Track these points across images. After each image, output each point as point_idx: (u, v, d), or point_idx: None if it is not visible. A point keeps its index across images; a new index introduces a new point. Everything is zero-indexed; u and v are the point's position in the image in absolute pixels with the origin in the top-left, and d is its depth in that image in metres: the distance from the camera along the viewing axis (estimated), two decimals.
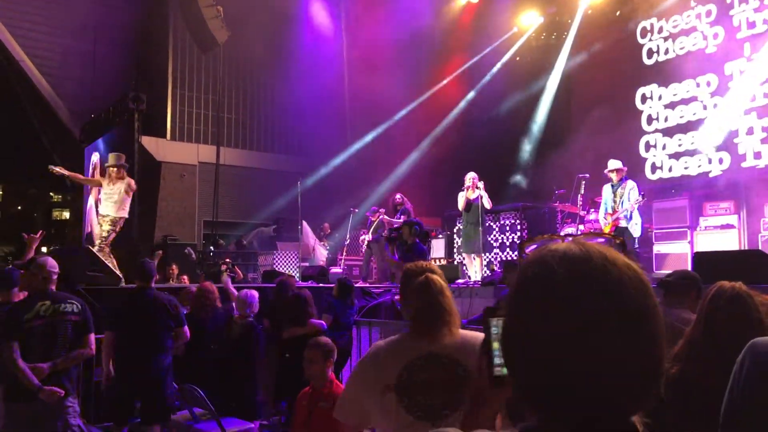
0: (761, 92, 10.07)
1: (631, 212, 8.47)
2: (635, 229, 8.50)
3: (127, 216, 8.35)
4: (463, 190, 9.82)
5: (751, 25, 10.32)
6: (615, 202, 8.58)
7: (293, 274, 10.55)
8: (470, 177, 9.75)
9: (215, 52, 14.50)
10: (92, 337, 4.30)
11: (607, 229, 8.67)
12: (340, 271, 11.06)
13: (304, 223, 12.99)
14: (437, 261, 12.51)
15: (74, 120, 18.28)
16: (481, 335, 2.26)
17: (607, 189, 8.88)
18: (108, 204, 8.25)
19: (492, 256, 12.91)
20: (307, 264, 11.88)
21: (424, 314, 2.26)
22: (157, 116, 14.69)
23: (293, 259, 11.65)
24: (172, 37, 14.98)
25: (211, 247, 12.25)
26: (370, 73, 13.05)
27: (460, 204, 9.85)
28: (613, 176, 8.74)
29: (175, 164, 14.38)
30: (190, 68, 15.13)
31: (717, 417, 1.76)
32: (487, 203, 9.54)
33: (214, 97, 15.06)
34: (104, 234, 8.17)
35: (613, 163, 8.84)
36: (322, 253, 13.12)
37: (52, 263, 4.46)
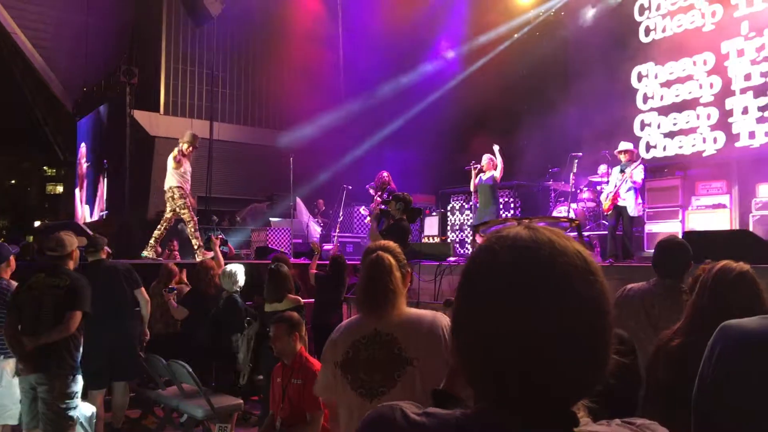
0: (757, 71, 10.01)
1: (632, 188, 8.39)
2: (635, 209, 8.44)
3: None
4: (474, 169, 9.90)
5: (750, 2, 10.22)
6: (620, 180, 8.53)
7: (285, 251, 10.58)
8: (487, 157, 9.78)
9: (209, 25, 14.38)
10: (75, 314, 4.27)
11: (606, 206, 8.66)
12: (332, 247, 11.09)
13: (298, 199, 12.97)
14: (430, 238, 12.55)
15: (67, 92, 18.17)
16: (427, 313, 2.31)
17: (615, 170, 8.83)
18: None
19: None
20: (300, 241, 11.89)
21: (368, 293, 2.29)
22: (150, 90, 14.58)
23: (286, 236, 11.66)
24: (165, 10, 14.80)
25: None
26: (367, 50, 12.95)
27: (471, 184, 10.04)
28: (622, 157, 8.69)
29: (168, 139, 14.28)
30: (184, 42, 14.98)
31: None
32: (498, 173, 9.68)
33: (208, 71, 14.94)
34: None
35: (624, 144, 8.78)
36: (315, 230, 13.13)
37: (61, 239, 4.46)
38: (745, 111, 10.14)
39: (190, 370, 4.97)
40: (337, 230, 11.98)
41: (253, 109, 15.57)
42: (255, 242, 11.84)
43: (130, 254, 8.99)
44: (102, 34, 15.54)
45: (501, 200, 12.67)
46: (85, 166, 18.26)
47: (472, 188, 10.04)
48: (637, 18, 11.83)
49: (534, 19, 13.84)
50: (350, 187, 12.27)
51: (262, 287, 7.06)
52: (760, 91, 9.97)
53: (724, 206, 9.34)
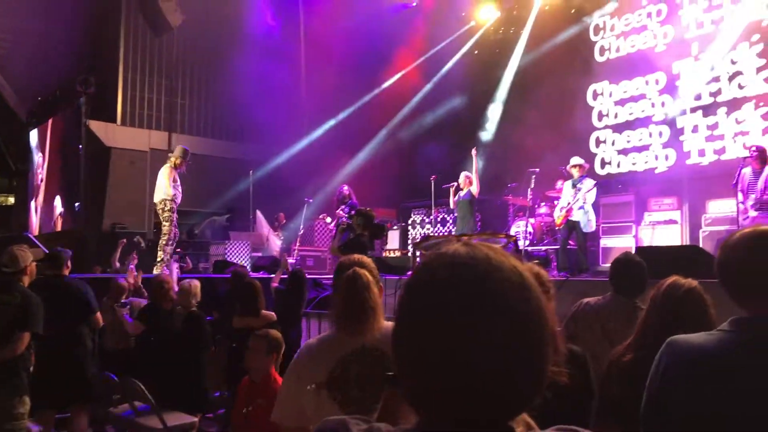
0: (707, 91, 10.36)
1: (584, 203, 8.59)
2: (587, 225, 8.62)
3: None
4: (452, 187, 10.15)
5: (700, 25, 10.59)
6: (572, 196, 8.71)
7: (244, 265, 10.45)
8: (464, 176, 10.01)
9: (169, 35, 14.21)
10: (24, 335, 4.12)
11: (559, 221, 8.82)
12: (293, 261, 11.00)
13: (258, 212, 12.86)
14: (392, 252, 12.58)
15: (20, 101, 17.69)
16: None
17: (567, 185, 9.02)
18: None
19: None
20: (259, 254, 11.77)
21: (350, 309, 2.27)
22: (107, 100, 14.30)
23: (245, 250, 11.53)
24: (124, 19, 14.57)
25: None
26: (327, 63, 12.97)
27: (450, 201, 10.31)
28: (575, 172, 8.88)
29: (125, 150, 14.03)
30: (143, 52, 14.76)
31: None
32: (475, 188, 9.90)
33: (167, 82, 14.75)
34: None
35: (575, 159, 8.98)
36: (276, 243, 13.02)
37: (14, 254, 4.32)
38: (695, 129, 10.48)
39: (143, 387, 4.86)
40: (298, 244, 11.90)
41: (213, 121, 15.40)
42: (213, 256, 11.68)
43: (84, 268, 8.76)
44: (59, 42, 15.20)
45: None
46: (40, 176, 17.79)
47: (451, 205, 10.30)
48: (593, 38, 12.15)
49: (493, 34, 14.07)
50: (311, 201, 12.22)
51: (220, 302, 6.96)
52: (709, 110, 10.32)
53: (675, 222, 9.60)
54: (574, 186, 8.80)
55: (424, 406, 0.86)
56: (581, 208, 8.57)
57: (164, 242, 8.91)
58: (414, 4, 14.40)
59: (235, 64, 13.14)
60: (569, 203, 8.69)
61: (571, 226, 8.68)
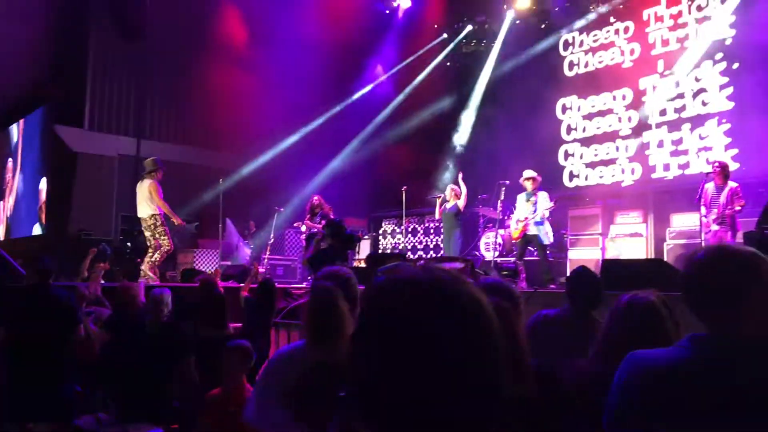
0: (672, 107, 10.63)
1: (542, 218, 8.71)
2: (545, 237, 8.75)
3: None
4: (438, 199, 10.16)
5: (665, 42, 10.88)
6: (527, 210, 8.83)
7: (212, 273, 10.36)
8: (450, 188, 10.06)
9: (139, 40, 14.04)
10: None
11: (516, 234, 8.92)
12: (263, 270, 10.94)
13: (228, 220, 12.75)
14: (362, 262, 12.58)
15: None
16: None
17: (521, 197, 9.14)
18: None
19: (416, 258, 13.08)
20: (228, 263, 11.68)
21: (314, 323, 2.29)
22: (74, 105, 14.07)
23: (214, 258, 11.43)
24: (93, 22, 14.38)
25: (128, 243, 11.86)
26: (298, 72, 12.96)
27: (436, 213, 10.28)
28: (528, 185, 8.99)
29: (92, 156, 13.80)
30: (113, 56, 14.57)
31: None
32: (462, 201, 9.89)
33: (136, 87, 14.57)
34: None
35: (528, 172, 9.08)
36: (245, 252, 12.93)
37: None
38: (660, 144, 10.73)
39: (108, 398, 4.78)
40: (268, 252, 11.84)
41: (182, 127, 15.23)
42: (181, 264, 11.55)
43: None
44: (25, 46, 14.93)
45: (431, 225, 12.89)
46: (14, 179, 17.40)
47: (437, 216, 10.29)
48: (562, 53, 12.38)
49: (465, 47, 14.23)
50: (282, 210, 12.18)
51: (189, 311, 6.88)
52: (674, 126, 10.59)
53: (640, 235, 9.79)
54: (528, 199, 8.90)
55: (380, 423, 0.88)
56: (539, 223, 8.67)
57: (158, 256, 8.97)
58: (387, 12, 14.49)
59: (205, 70, 13.06)
60: (526, 217, 8.78)
61: (528, 240, 8.79)
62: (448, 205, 9.96)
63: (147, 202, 8.93)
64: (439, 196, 10.22)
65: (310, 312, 2.33)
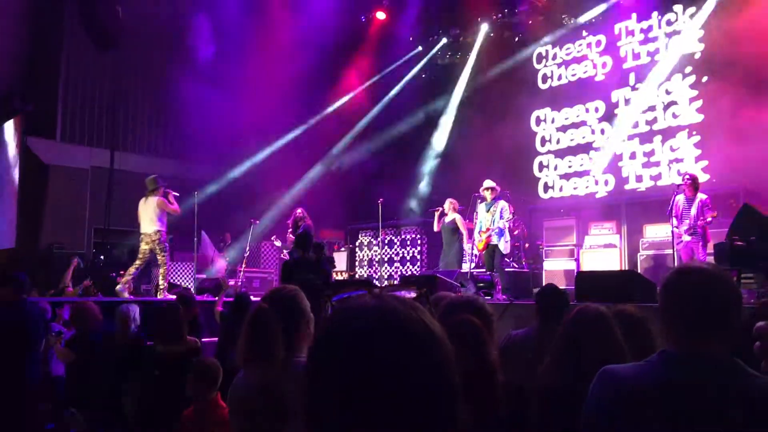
0: (643, 119, 10.81)
1: (502, 229, 8.75)
2: (505, 247, 8.79)
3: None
4: (436, 212, 10.05)
5: (636, 56, 11.08)
6: (488, 220, 8.88)
7: (189, 287, 10.27)
8: (449, 202, 9.97)
9: (113, 50, 13.90)
10: None
11: (480, 246, 8.96)
12: (238, 283, 10.88)
13: (203, 233, 12.64)
14: (339, 274, 12.56)
15: None
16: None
17: (481, 208, 9.19)
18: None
19: (393, 270, 13.11)
20: (204, 276, 11.58)
21: (246, 343, 2.31)
22: (46, 116, 13.88)
23: (190, 271, 11.31)
24: (67, 32, 14.22)
25: (102, 257, 11.71)
26: (274, 83, 12.95)
27: (435, 226, 10.13)
28: (487, 195, 9.02)
29: (64, 168, 13.62)
30: (86, 67, 14.41)
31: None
32: (462, 226, 9.73)
33: (110, 98, 14.42)
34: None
35: (487, 182, 9.11)
36: (221, 265, 12.82)
37: None
38: (632, 156, 10.90)
39: (80, 417, 4.70)
40: (244, 265, 11.75)
41: (157, 139, 15.12)
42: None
43: None
44: None
45: (407, 236, 12.93)
46: None
47: (435, 229, 10.15)
48: (536, 65, 12.53)
49: (440, 59, 14.33)
50: (257, 222, 12.10)
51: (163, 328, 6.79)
52: (645, 138, 10.76)
53: (614, 246, 9.92)
54: (488, 210, 8.96)
55: None
56: (500, 233, 8.72)
57: (164, 271, 9.25)
58: (363, 19, 14.55)
59: (179, 82, 12.97)
60: (488, 228, 8.83)
61: (492, 250, 8.83)
62: (447, 219, 9.90)
63: (153, 219, 9.21)
64: (438, 209, 10.14)
65: (243, 333, 2.35)
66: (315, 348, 0.93)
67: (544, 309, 3.77)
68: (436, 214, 10.17)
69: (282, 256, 11.25)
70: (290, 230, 10.28)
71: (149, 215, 9.27)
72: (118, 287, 9.01)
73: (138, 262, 9.27)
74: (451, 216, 9.91)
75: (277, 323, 2.32)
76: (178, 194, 9.81)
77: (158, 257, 9.24)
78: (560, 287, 3.97)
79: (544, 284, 9.91)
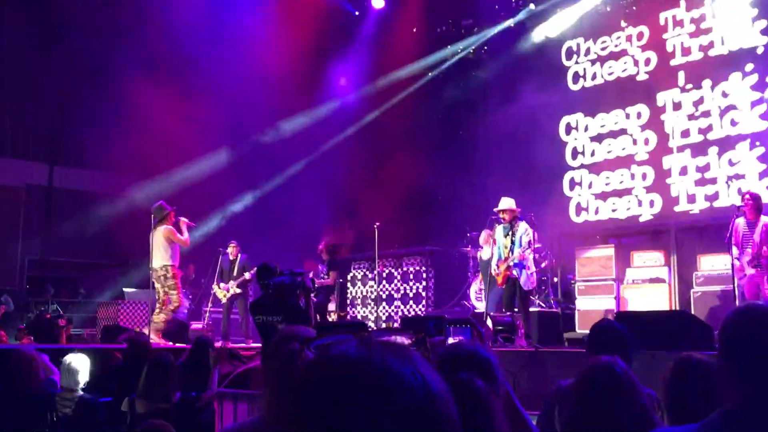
0: (696, 127, 10.78)
1: (522, 260, 8.73)
2: (527, 281, 8.76)
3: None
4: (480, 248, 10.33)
5: (686, 51, 11.08)
6: (506, 247, 8.85)
7: (143, 331, 10.19)
8: (485, 233, 10.26)
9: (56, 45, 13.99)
10: None
11: (499, 280, 8.92)
12: (201, 327, 10.81)
13: None
14: (329, 315, 12.49)
15: None
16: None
17: (498, 231, 9.19)
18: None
19: (393, 310, 13.03)
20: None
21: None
22: None
23: (144, 312, 11.21)
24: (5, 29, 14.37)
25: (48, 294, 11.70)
26: (239, 88, 13.12)
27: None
28: (504, 217, 9.02)
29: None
30: (22, 63, 14.50)
31: None
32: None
33: (52, 106, 14.49)
34: None
35: (504, 202, 9.12)
36: (183, 304, 12.74)
37: None
38: (683, 171, 10.85)
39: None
40: (210, 305, 11.66)
41: (105, 153, 15.08)
42: (102, 320, 11.34)
43: None
44: None
45: (410, 269, 12.88)
46: None
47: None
48: (565, 62, 12.54)
49: (450, 57, 14.41)
50: (226, 251, 12.05)
51: (111, 380, 6.72)
52: (698, 149, 10.70)
53: (662, 280, 9.86)
54: (506, 234, 8.95)
55: None
56: (519, 264, 8.68)
57: (165, 316, 9.65)
58: (356, 13, 14.70)
59: (137, 85, 13.02)
60: (506, 257, 8.80)
61: (513, 285, 8.78)
62: (484, 255, 9.90)
63: (161, 251, 9.67)
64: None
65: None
66: (287, 399, 0.97)
67: (597, 349, 3.70)
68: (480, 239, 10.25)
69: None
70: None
71: (157, 247, 9.75)
72: (154, 338, 9.13)
73: (158, 304, 9.78)
74: (487, 251, 9.98)
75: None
76: (190, 222, 10.28)
77: (169, 295, 9.71)
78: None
79: (576, 327, 9.91)
